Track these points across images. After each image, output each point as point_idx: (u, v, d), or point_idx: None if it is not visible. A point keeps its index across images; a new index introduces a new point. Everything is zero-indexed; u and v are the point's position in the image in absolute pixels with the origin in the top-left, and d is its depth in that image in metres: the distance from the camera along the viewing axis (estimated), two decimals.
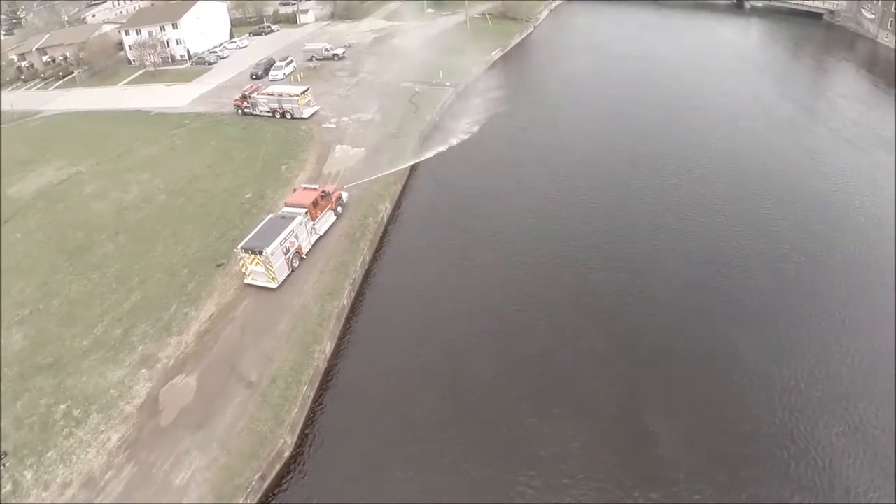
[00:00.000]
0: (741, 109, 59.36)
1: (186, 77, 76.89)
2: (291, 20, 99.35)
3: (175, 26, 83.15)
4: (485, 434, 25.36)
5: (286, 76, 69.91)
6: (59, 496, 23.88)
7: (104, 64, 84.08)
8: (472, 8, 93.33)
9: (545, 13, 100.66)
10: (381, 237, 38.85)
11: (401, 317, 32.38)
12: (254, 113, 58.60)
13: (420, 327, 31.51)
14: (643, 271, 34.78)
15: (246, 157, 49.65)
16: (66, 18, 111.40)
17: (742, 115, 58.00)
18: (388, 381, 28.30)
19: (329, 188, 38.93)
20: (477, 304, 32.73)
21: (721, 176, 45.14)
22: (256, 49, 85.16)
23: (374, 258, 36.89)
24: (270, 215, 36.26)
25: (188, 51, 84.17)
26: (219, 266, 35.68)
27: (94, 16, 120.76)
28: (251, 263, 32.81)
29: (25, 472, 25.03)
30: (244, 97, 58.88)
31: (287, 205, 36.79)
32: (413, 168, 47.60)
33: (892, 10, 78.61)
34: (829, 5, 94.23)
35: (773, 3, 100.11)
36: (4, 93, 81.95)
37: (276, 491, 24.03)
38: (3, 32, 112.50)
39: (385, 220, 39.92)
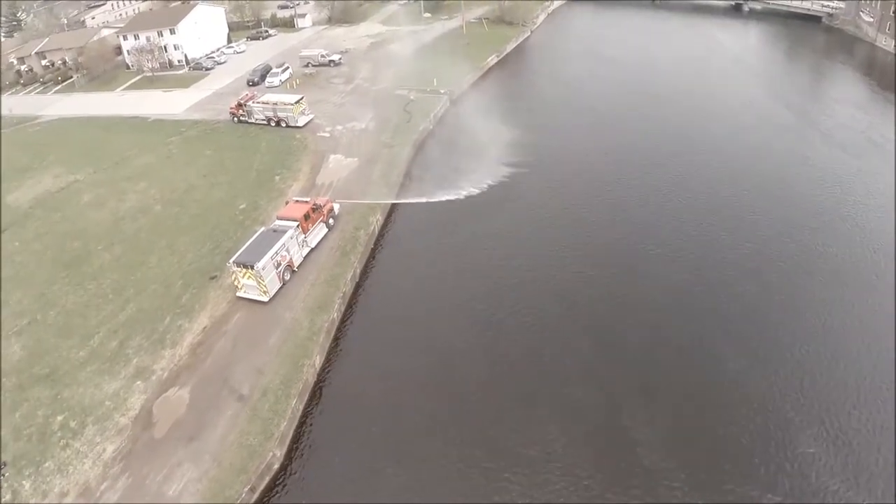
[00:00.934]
0: (733, 114, 60.13)
1: (184, 83, 77.55)
2: (289, 24, 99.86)
3: (173, 31, 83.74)
4: (473, 450, 25.93)
5: (282, 83, 70.55)
6: None
7: (103, 68, 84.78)
8: (468, 12, 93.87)
9: (542, 17, 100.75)
10: (373, 249, 39.57)
11: (390, 330, 33.09)
12: (249, 121, 59.28)
13: (410, 340, 32.18)
14: (631, 275, 35.95)
15: (241, 166, 50.37)
16: (66, 21, 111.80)
17: (734, 119, 58.83)
18: (377, 394, 29.03)
19: (320, 201, 39.64)
20: (468, 316, 33.41)
21: (708, 180, 46.35)
22: (254, 54, 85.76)
23: (365, 271, 37.62)
24: (262, 228, 37.03)
25: (186, 56, 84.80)
26: (212, 278, 36.45)
27: (93, 18, 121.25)
28: (243, 277, 33.59)
29: (24, 482, 25.87)
30: (240, 105, 59.55)
31: (279, 218, 37.53)
32: (406, 172, 48.59)
33: (891, 13, 78.85)
34: (827, 8, 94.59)
35: (771, 6, 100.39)
36: (4, 97, 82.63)
37: (265, 503, 24.82)
38: (2, 35, 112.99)
39: (376, 232, 40.63)
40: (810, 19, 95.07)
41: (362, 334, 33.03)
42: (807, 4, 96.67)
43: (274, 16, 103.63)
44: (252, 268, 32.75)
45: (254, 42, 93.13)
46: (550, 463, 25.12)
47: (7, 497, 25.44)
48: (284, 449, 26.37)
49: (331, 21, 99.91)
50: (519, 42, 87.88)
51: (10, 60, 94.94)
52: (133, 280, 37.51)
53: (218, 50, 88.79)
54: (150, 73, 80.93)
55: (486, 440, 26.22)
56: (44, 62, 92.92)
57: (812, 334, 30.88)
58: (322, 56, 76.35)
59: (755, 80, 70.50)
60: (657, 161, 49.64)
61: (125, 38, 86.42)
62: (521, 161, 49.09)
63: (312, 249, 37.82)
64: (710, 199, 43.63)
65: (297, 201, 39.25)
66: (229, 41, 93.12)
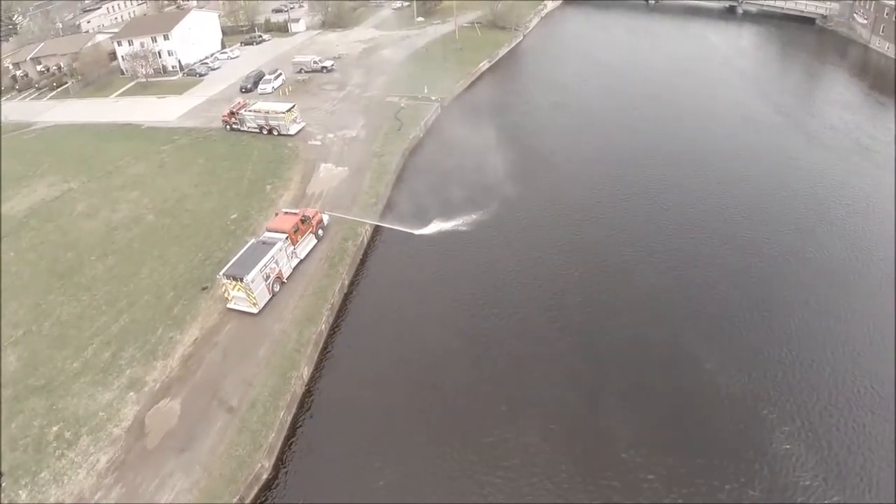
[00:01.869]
0: (722, 117, 61.22)
1: (177, 89, 78.12)
2: (283, 29, 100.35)
3: (167, 37, 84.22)
4: (462, 460, 26.76)
5: (275, 89, 71.25)
6: None
7: (97, 74, 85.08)
8: (460, 17, 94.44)
9: (535, 21, 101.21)
10: (362, 259, 40.37)
11: (378, 340, 33.97)
12: (242, 129, 59.93)
13: (397, 350, 33.06)
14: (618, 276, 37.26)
15: (232, 176, 51.08)
16: (61, 25, 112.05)
17: (722, 122, 59.99)
18: (364, 405, 29.88)
19: (309, 212, 40.38)
20: (455, 326, 34.31)
21: (692, 183, 47.81)
22: (247, 60, 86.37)
23: (354, 281, 38.47)
24: (252, 240, 37.80)
25: (180, 62, 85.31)
26: (203, 289, 37.24)
27: (88, 22, 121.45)
28: (233, 289, 34.40)
29: (20, 492, 26.69)
30: (232, 114, 60.19)
31: (268, 230, 38.31)
32: (396, 182, 49.37)
33: (885, 15, 79.47)
34: (821, 10, 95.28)
35: (765, 7, 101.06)
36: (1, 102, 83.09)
37: None
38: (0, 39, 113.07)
39: (365, 242, 41.42)
40: (804, 21, 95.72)
41: (350, 345, 33.87)
42: (801, 6, 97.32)
43: (268, 21, 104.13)
44: (241, 280, 33.53)
45: (248, 47, 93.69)
46: (534, 466, 26.20)
47: None
48: (273, 460, 27.24)
49: (324, 26, 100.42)
50: (512, 46, 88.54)
51: (6, 65, 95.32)
52: (126, 291, 38.26)
53: (212, 55, 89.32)
54: (144, 80, 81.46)
55: (475, 450, 27.10)
56: (39, 67, 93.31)
57: (790, 334, 32.19)
58: (315, 62, 77.07)
59: (747, 83, 71.52)
60: (643, 166, 50.89)
61: (119, 43, 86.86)
62: (507, 166, 50.07)
63: (302, 261, 38.63)
64: (694, 202, 45.02)
65: (286, 213, 39.99)
66: (223, 46, 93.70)
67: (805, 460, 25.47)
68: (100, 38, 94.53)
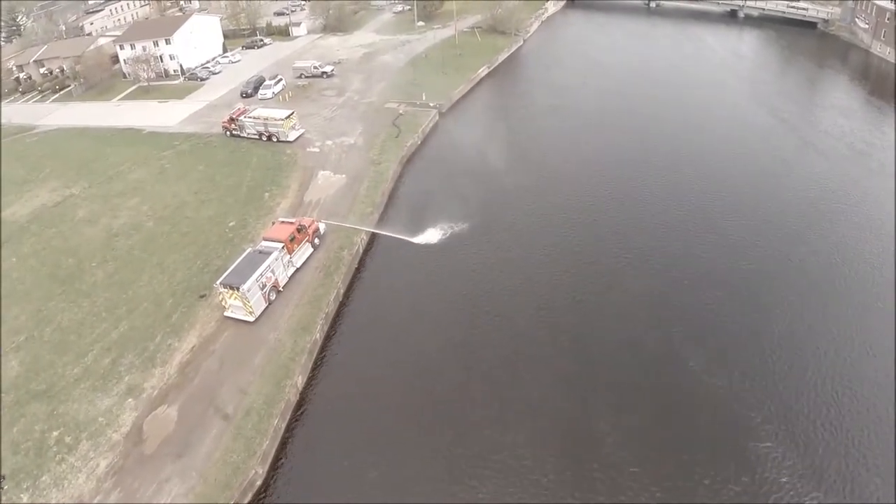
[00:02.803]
0: (720, 120, 62.11)
1: (179, 94, 78.98)
2: (284, 33, 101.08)
3: (168, 41, 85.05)
4: (454, 468, 27.40)
5: (275, 95, 72.01)
6: None
7: (99, 77, 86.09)
8: (460, 21, 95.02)
9: (535, 25, 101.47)
10: (357, 268, 41.05)
11: (371, 349, 34.63)
12: (241, 135, 60.70)
13: (391, 359, 33.68)
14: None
15: (231, 183, 51.84)
16: (64, 28, 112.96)
17: (720, 125, 60.89)
18: (357, 413, 30.56)
19: (306, 222, 41.05)
20: (450, 335, 34.94)
21: (688, 185, 48.99)
22: (248, 64, 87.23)
23: (349, 290, 39.11)
24: (249, 249, 38.55)
25: (181, 66, 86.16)
26: (201, 297, 38.01)
27: (91, 23, 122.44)
28: (230, 297, 35.17)
29: (22, 496, 27.50)
30: (232, 120, 60.95)
31: (265, 239, 39.02)
32: (393, 190, 50.10)
33: (886, 19, 79.70)
34: (823, 14, 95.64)
35: (767, 12, 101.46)
36: (3, 105, 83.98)
37: None
38: (2, 40, 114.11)
39: (360, 251, 42.11)
40: (806, 25, 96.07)
41: (344, 353, 34.56)
42: (802, 10, 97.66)
43: (269, 24, 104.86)
44: (238, 289, 34.29)
45: (249, 51, 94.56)
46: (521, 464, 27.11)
47: None
48: (266, 466, 27.98)
49: (326, 29, 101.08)
50: (511, 52, 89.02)
51: (10, 67, 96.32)
52: (125, 298, 39.06)
53: (213, 59, 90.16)
54: (146, 83, 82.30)
55: (469, 457, 27.82)
56: (42, 70, 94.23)
57: (777, 337, 33.10)
58: (315, 67, 77.79)
59: (747, 87, 72.14)
60: (637, 170, 51.91)
61: (122, 47, 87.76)
62: (502, 172, 50.89)
63: (298, 269, 39.35)
64: (687, 205, 46.03)
65: (282, 222, 40.72)
66: (224, 50, 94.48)
67: (784, 458, 26.42)
68: (102, 41, 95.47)
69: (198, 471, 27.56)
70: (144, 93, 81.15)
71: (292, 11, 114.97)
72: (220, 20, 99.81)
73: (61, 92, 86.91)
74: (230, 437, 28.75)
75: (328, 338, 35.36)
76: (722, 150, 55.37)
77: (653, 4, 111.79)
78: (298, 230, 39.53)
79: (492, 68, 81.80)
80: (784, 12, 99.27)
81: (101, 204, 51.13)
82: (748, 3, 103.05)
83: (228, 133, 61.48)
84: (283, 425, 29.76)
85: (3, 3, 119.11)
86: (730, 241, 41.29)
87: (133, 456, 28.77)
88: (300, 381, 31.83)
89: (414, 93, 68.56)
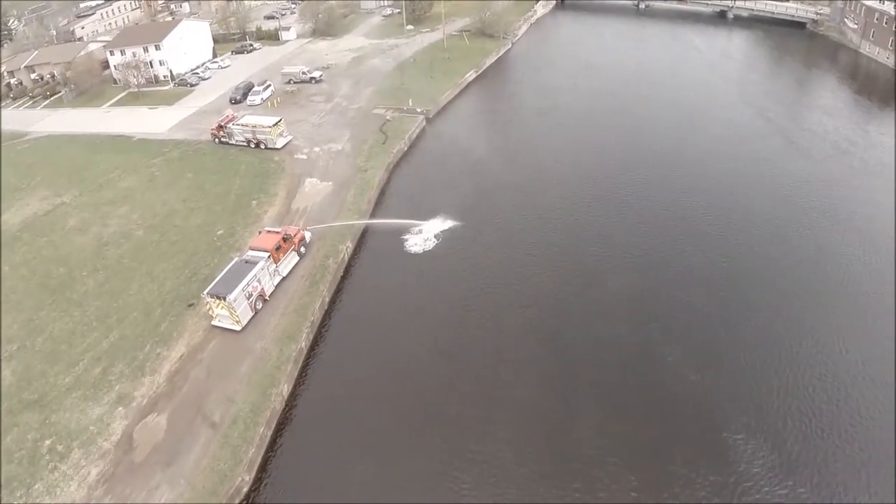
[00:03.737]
0: (706, 121, 63.52)
1: (168, 99, 79.52)
2: (273, 37, 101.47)
3: (158, 47, 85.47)
4: (441, 476, 28.23)
5: (264, 101, 72.64)
6: None
7: (90, 83, 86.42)
8: (449, 24, 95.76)
9: (524, 28, 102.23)
10: (343, 277, 41.88)
11: (356, 356, 35.54)
12: (230, 142, 61.36)
13: (374, 366, 34.61)
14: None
15: (219, 191, 52.58)
16: (55, 33, 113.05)
17: (705, 126, 62.35)
18: (342, 420, 31.47)
19: (291, 231, 41.80)
20: (433, 342, 35.83)
21: (668, 187, 50.24)
22: (238, 69, 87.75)
23: (335, 298, 39.99)
24: (236, 259, 39.33)
25: (171, 71, 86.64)
26: (189, 306, 38.83)
27: (82, 28, 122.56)
28: (216, 307, 36.01)
29: None
30: (220, 127, 61.58)
31: (251, 248, 39.81)
32: (379, 197, 51.04)
33: (875, 19, 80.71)
34: (812, 14, 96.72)
35: (756, 12, 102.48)
36: None
37: None
38: None
39: (346, 259, 42.97)
40: (795, 25, 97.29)
41: (330, 361, 35.46)
42: (791, 10, 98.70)
43: (259, 28, 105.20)
44: (224, 299, 35.14)
45: (239, 56, 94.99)
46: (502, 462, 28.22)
47: None
48: (253, 474, 28.89)
49: (315, 33, 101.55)
50: (499, 55, 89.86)
51: (1, 72, 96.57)
52: (115, 307, 39.82)
53: (203, 65, 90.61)
54: (136, 89, 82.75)
55: (453, 458, 28.85)
56: (33, 76, 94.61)
57: (752, 334, 34.60)
58: (303, 73, 78.39)
59: (734, 88, 73.55)
60: (620, 171, 53.39)
61: (112, 53, 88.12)
62: (487, 176, 51.91)
63: (284, 278, 40.19)
64: (670, 206, 47.50)
65: (268, 231, 41.47)
66: (214, 55, 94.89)
67: (756, 451, 27.87)
68: (93, 46, 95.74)
69: (186, 478, 28.45)
70: (134, 99, 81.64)
71: (282, 15, 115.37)
72: (210, 25, 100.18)
73: (52, 98, 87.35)
74: (217, 445, 29.64)
75: (314, 346, 36.26)
76: (708, 151, 56.93)
77: (642, 6, 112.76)
78: (284, 239, 40.34)
79: (480, 72, 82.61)
80: (773, 13, 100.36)
81: (92, 212, 51.78)
82: (737, 3, 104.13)
83: (217, 140, 62.12)
84: (269, 433, 30.66)
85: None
86: (708, 242, 42.77)
87: (123, 464, 29.60)
88: (286, 389, 32.74)
89: (402, 98, 69.38)
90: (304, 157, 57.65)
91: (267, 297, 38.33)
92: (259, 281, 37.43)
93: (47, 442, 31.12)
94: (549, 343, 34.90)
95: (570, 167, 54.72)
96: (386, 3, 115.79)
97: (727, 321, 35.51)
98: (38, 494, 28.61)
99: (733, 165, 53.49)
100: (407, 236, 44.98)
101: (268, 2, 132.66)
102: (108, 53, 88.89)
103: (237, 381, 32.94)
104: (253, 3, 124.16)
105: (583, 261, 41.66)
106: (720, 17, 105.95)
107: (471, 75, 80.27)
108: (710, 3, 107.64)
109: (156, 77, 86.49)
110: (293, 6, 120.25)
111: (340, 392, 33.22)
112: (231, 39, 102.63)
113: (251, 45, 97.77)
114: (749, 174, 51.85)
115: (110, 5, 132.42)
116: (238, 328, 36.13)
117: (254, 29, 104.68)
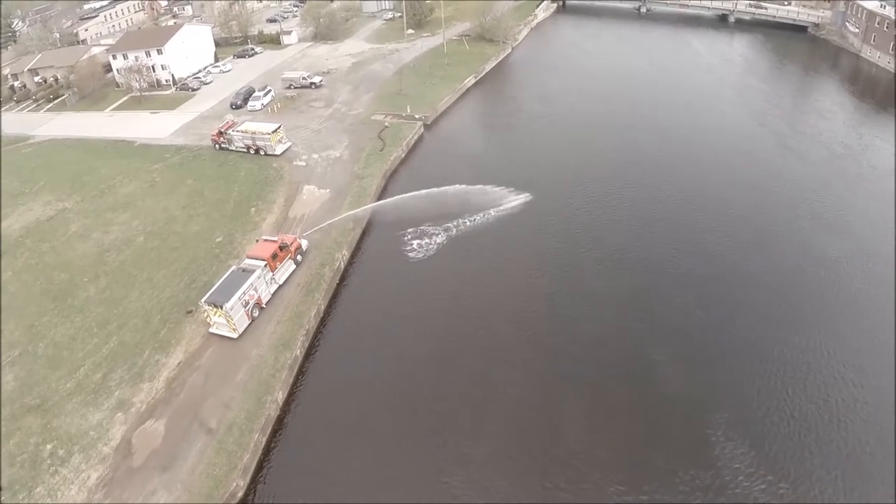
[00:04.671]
0: (705, 126, 64.24)
1: (170, 104, 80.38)
2: (275, 41, 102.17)
3: (160, 52, 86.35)
4: (435, 482, 29.01)
5: (264, 106, 73.40)
6: None
7: (93, 87, 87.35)
8: (449, 29, 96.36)
9: (525, 32, 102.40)
10: (338, 285, 42.66)
11: (350, 364, 36.33)
12: (230, 148, 62.09)
13: (370, 374, 35.34)
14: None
15: (219, 197, 53.38)
16: (58, 35, 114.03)
17: (704, 131, 63.04)
18: (337, 427, 32.28)
19: (288, 239, 42.59)
20: (428, 349, 36.62)
21: (662, 191, 51.31)
22: (239, 74, 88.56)
23: (330, 306, 40.77)
24: (233, 267, 40.17)
25: (173, 76, 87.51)
26: (188, 313, 39.68)
27: (86, 30, 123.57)
28: (214, 315, 36.86)
29: None
30: (220, 133, 62.35)
31: (248, 257, 40.64)
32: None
33: (876, 24, 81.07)
34: (813, 18, 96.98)
35: (757, 16, 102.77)
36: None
37: None
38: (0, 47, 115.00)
39: (342, 267, 43.76)
40: (796, 29, 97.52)
41: (324, 368, 36.29)
42: (793, 14, 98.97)
43: (261, 32, 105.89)
44: (221, 307, 35.97)
45: (240, 60, 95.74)
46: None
47: None
48: (248, 479, 29.77)
49: (316, 38, 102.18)
50: (499, 60, 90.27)
51: (5, 75, 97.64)
52: (116, 314, 40.69)
53: (204, 69, 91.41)
54: (138, 93, 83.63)
55: (444, 462, 29.70)
56: (37, 79, 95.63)
57: (740, 338, 35.56)
58: (304, 78, 79.11)
59: (734, 92, 74.20)
60: (615, 177, 54.32)
61: (114, 57, 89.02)
62: (482, 183, 52.43)
63: (280, 286, 40.99)
64: (665, 210, 48.52)
65: (265, 240, 42.27)
66: (216, 59, 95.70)
67: (738, 449, 28.97)
68: (95, 50, 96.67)
69: (183, 483, 29.31)
70: (137, 103, 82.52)
71: (284, 18, 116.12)
72: (212, 28, 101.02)
73: (55, 101, 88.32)
74: (213, 451, 30.48)
75: (309, 353, 37.10)
76: (706, 155, 57.66)
77: (643, 10, 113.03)
78: (281, 248, 41.12)
79: (479, 78, 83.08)
80: (775, 16, 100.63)
81: (94, 218, 52.64)
82: (738, 7, 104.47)
83: (217, 146, 62.86)
84: (264, 439, 31.52)
85: (1, 6, 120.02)
86: (700, 245, 43.86)
87: (122, 468, 30.49)
88: (281, 396, 33.57)
89: (400, 104, 70.07)
90: (303, 163, 58.37)
91: (263, 305, 39.13)
92: (256, 289, 38.24)
93: (49, 446, 32.01)
94: (541, 344, 35.95)
95: (564, 171, 55.49)
96: (387, 6, 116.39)
97: (715, 322, 36.73)
98: (40, 497, 29.51)
99: (730, 168, 54.48)
100: (400, 244, 45.64)
101: (269, 4, 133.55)
102: (110, 57, 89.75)
103: (233, 388, 33.77)
104: (255, 5, 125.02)
105: (578, 263, 42.80)
106: (721, 21, 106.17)
107: (470, 81, 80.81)
108: (711, 6, 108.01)
109: (158, 81, 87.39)
110: (295, 9, 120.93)
111: (334, 399, 34.02)
112: (233, 43, 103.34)
113: (253, 49, 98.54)
114: (745, 177, 52.91)
115: (114, 7, 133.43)
116: (235, 336, 36.95)
117: (256, 33, 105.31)
